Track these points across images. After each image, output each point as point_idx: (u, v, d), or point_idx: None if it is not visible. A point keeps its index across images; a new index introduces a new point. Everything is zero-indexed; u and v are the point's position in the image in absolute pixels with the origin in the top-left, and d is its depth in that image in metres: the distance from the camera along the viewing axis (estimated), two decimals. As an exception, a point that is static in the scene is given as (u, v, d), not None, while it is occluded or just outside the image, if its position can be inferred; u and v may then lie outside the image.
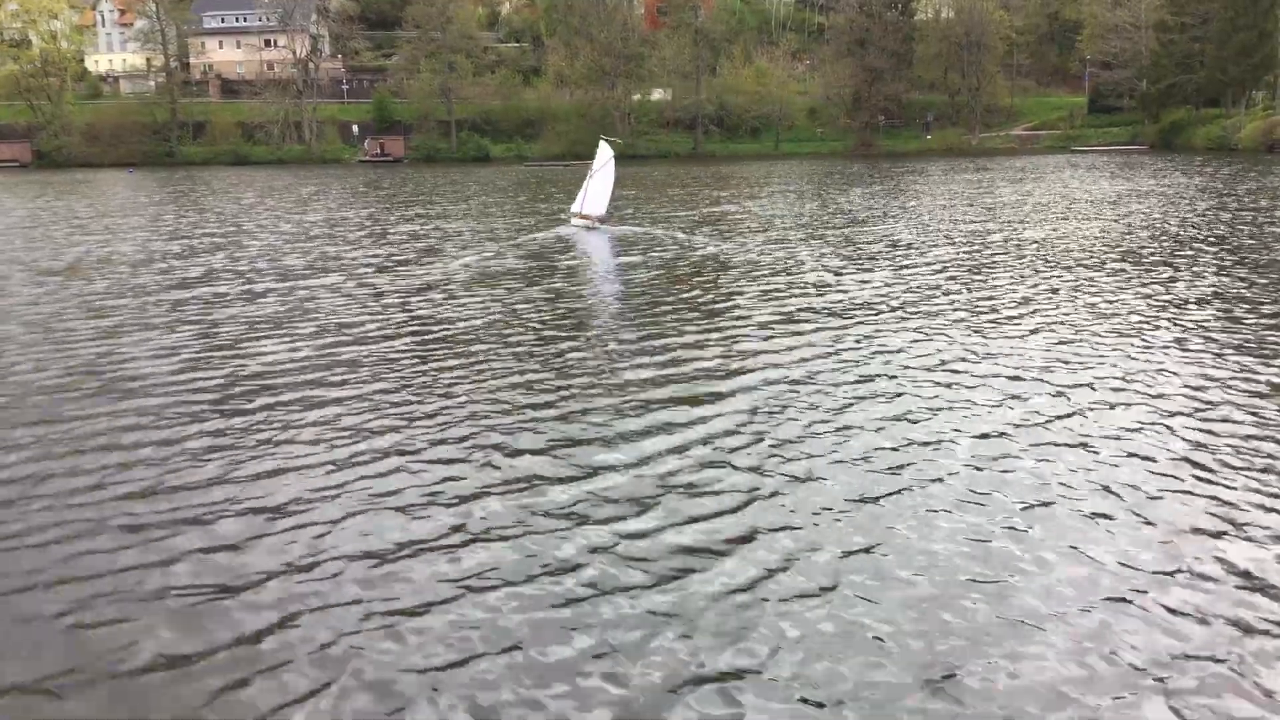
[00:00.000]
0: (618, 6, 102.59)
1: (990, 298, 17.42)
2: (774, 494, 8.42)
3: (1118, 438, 9.74)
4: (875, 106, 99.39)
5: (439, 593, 6.79)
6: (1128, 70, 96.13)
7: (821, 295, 17.98)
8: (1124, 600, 6.61)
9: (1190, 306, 16.28)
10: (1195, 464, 9.00)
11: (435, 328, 15.66)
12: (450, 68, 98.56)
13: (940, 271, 20.66)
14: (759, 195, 45.15)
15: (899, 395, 11.31)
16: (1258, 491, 8.36)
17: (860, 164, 77.30)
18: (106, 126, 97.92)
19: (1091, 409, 10.68)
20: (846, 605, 6.55)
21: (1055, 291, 17.88)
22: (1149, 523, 7.80)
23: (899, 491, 8.45)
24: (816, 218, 33.54)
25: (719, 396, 11.30)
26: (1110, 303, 16.73)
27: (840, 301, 17.30)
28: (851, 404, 10.98)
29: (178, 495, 8.55)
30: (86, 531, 7.83)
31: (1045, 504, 8.16)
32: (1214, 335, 14.13)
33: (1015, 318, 15.57)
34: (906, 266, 21.49)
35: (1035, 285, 18.63)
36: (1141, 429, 10.00)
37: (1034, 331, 14.54)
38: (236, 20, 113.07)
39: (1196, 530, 7.66)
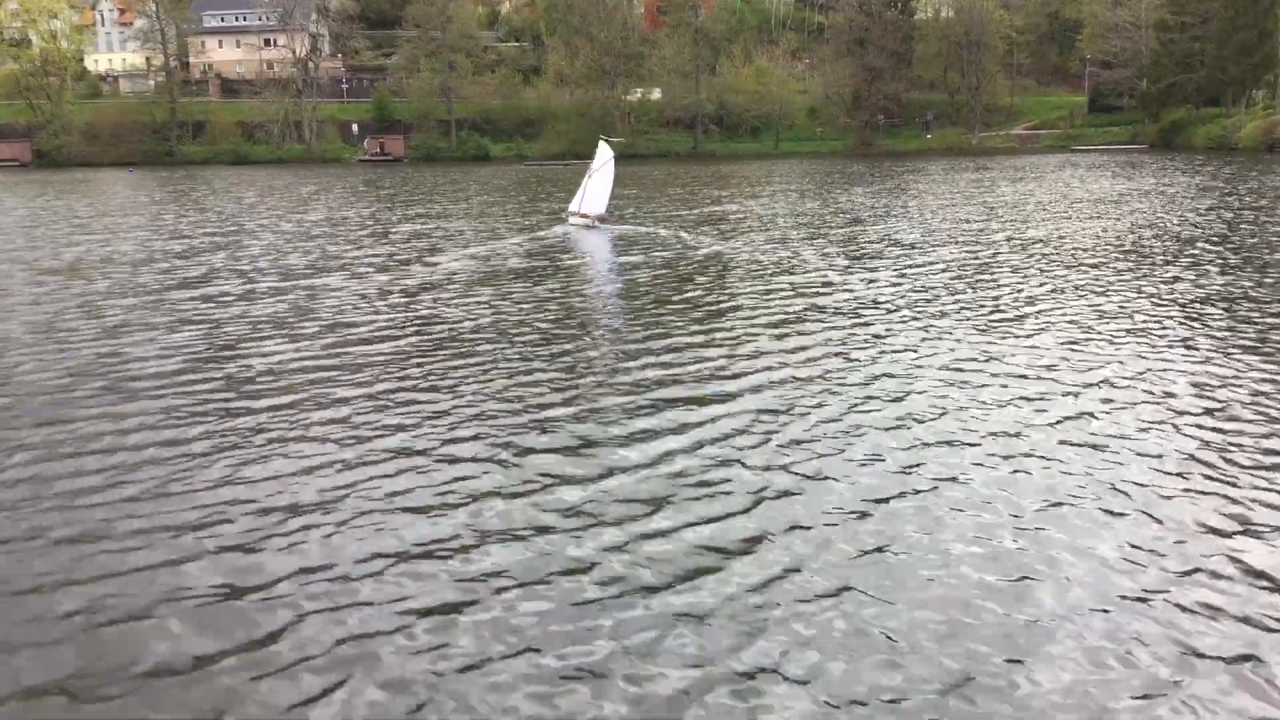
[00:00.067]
0: (618, 6, 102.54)
1: (996, 297, 17.39)
2: (784, 494, 8.39)
3: (1127, 437, 9.71)
4: (875, 106, 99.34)
5: (451, 593, 6.76)
6: (1128, 69, 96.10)
7: (826, 295, 17.95)
8: (1138, 600, 6.59)
9: (1197, 306, 16.25)
10: (1205, 463, 8.98)
11: (439, 327, 15.62)
12: (450, 67, 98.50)
13: (945, 271, 20.64)
14: (760, 195, 45.11)
15: (907, 395, 11.28)
16: (1270, 490, 8.34)
17: (861, 163, 77.27)
18: (106, 126, 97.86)
19: (1101, 408, 10.65)
20: (860, 606, 6.52)
21: (1061, 291, 17.86)
22: (1161, 522, 7.78)
23: (910, 492, 8.42)
24: (818, 217, 33.51)
25: (726, 396, 11.27)
26: (1116, 302, 16.70)
27: (846, 301, 17.27)
28: (860, 404, 10.95)
29: (185, 496, 8.52)
30: (95, 533, 7.81)
31: (1056, 504, 8.14)
32: (1221, 334, 14.11)
33: (1022, 317, 15.55)
34: (911, 266, 21.46)
35: (1041, 285, 18.61)
36: (1151, 428, 9.98)
37: (1041, 331, 14.51)
38: (236, 20, 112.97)
39: (1209, 529, 7.64)
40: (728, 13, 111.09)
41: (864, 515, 7.98)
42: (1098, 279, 19.11)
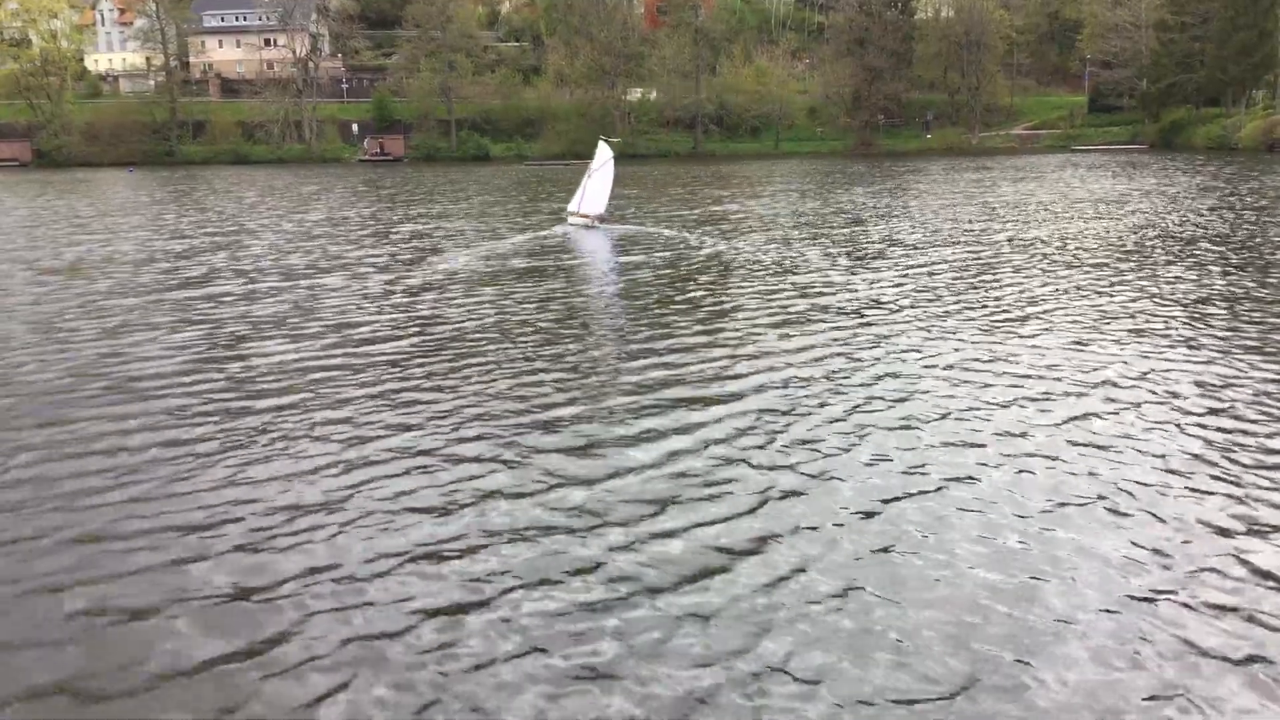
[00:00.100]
0: (618, 6, 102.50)
1: (999, 297, 17.38)
2: (790, 494, 8.38)
3: (1132, 437, 9.70)
4: (875, 106, 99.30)
5: (457, 593, 6.75)
6: (1128, 69, 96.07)
7: (829, 295, 17.94)
8: (1145, 600, 6.57)
9: (1200, 306, 16.24)
10: (1210, 463, 8.97)
11: (441, 327, 15.61)
12: (450, 67, 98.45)
13: (948, 271, 20.63)
14: (761, 195, 45.10)
15: (911, 395, 11.27)
16: (1276, 490, 8.32)
17: (861, 163, 77.26)
18: (106, 126, 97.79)
19: (1105, 408, 10.64)
20: (867, 606, 6.51)
21: (1064, 291, 17.85)
22: (1166, 522, 7.76)
23: (915, 492, 8.41)
24: (820, 217, 33.50)
25: (731, 396, 11.25)
26: (1119, 302, 16.69)
27: (849, 301, 17.26)
28: (864, 404, 10.94)
29: (190, 496, 8.51)
30: (100, 533, 7.79)
31: (1061, 504, 8.13)
32: (1225, 334, 14.10)
33: (1025, 317, 15.53)
34: (913, 266, 21.45)
35: (1044, 284, 18.60)
36: (1156, 428, 9.97)
37: (1045, 331, 14.50)
38: (236, 19, 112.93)
39: (1215, 530, 7.63)
40: (728, 13, 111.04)
41: (870, 515, 7.96)
42: (1100, 279, 19.10)
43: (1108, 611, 6.44)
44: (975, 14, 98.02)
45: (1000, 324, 15.07)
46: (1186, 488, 8.43)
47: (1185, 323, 14.93)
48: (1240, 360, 12.60)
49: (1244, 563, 7.09)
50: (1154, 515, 7.90)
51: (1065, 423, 10.16)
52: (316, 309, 17.40)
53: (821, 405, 10.88)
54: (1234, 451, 9.27)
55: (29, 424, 10.64)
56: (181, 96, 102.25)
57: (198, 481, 8.83)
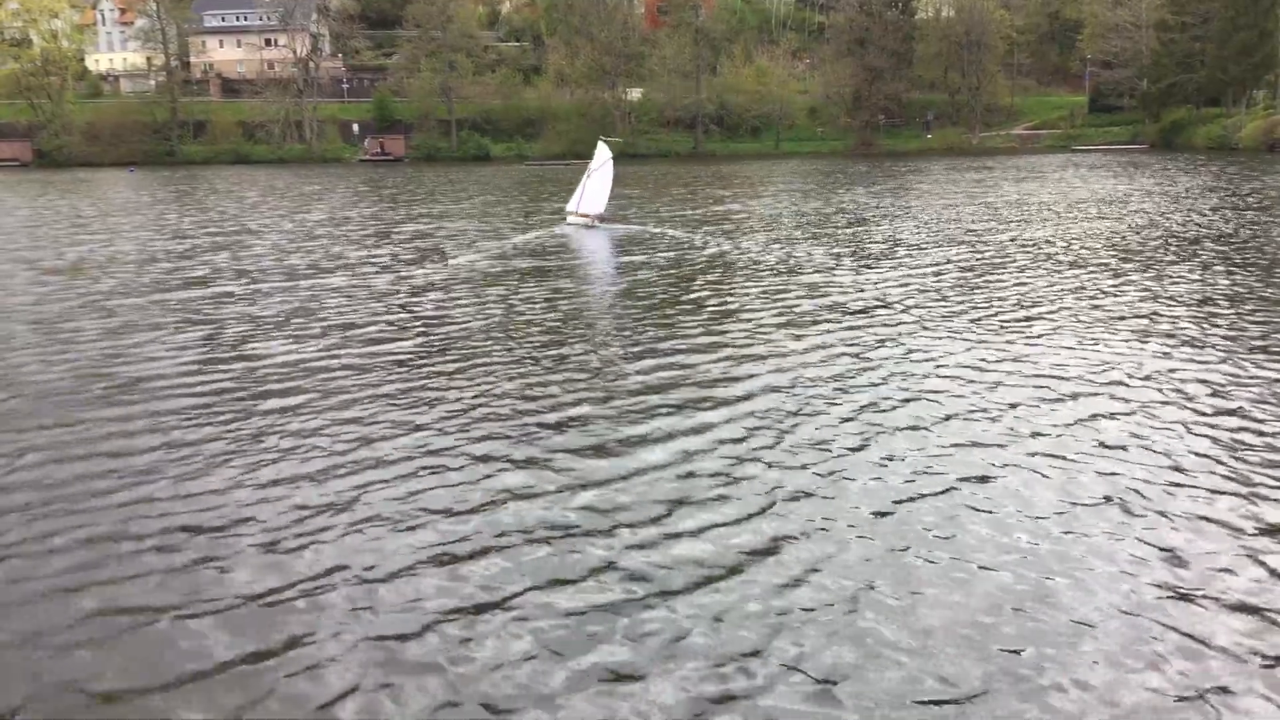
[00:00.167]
0: (618, 6, 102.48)
1: (1005, 298, 17.36)
2: (802, 495, 8.36)
3: (1142, 437, 9.68)
4: (875, 106, 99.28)
5: (470, 593, 6.73)
6: (1128, 69, 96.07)
7: (834, 295, 17.92)
8: (1160, 600, 6.55)
9: (1206, 305, 16.23)
10: (1221, 462, 8.95)
11: (446, 327, 15.59)
12: (451, 67, 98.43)
13: (953, 271, 20.60)
14: (762, 194, 45.09)
15: (921, 396, 11.24)
16: (1286, 491, 8.31)
17: (862, 163, 77.24)
18: (107, 126, 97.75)
19: (1114, 408, 10.62)
20: (878, 610, 6.48)
21: (1070, 291, 17.82)
22: (1178, 522, 7.74)
23: (927, 493, 8.38)
24: (822, 217, 33.48)
25: (738, 397, 11.23)
26: (1125, 302, 16.68)
27: (854, 301, 17.23)
28: (873, 404, 10.91)
29: (200, 498, 8.48)
30: (111, 534, 7.76)
31: (1073, 504, 8.11)
32: (1232, 334, 14.08)
33: (1031, 318, 15.51)
34: (917, 266, 21.43)
35: (1050, 285, 18.58)
36: (1166, 428, 9.94)
37: (1052, 331, 14.48)
38: (237, 19, 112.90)
39: (1228, 529, 7.61)
40: (728, 13, 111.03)
41: (881, 515, 7.95)
42: (1105, 279, 19.08)
43: (1121, 611, 6.42)
44: (976, 14, 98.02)
45: (1007, 324, 15.05)
46: (1197, 487, 8.42)
47: (1191, 322, 14.91)
48: (1247, 360, 12.58)
49: (1257, 562, 7.07)
50: (1164, 515, 7.88)
51: (1075, 423, 10.14)
52: (320, 309, 17.38)
53: (830, 405, 10.86)
54: (1243, 451, 9.25)
55: (33, 425, 10.62)
56: (182, 96, 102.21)
57: (206, 482, 8.81)
